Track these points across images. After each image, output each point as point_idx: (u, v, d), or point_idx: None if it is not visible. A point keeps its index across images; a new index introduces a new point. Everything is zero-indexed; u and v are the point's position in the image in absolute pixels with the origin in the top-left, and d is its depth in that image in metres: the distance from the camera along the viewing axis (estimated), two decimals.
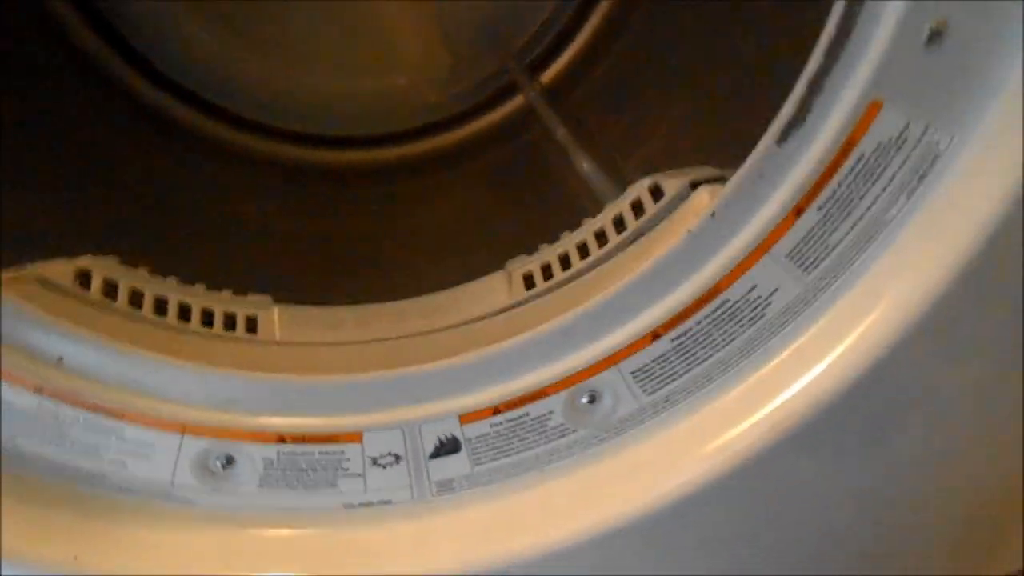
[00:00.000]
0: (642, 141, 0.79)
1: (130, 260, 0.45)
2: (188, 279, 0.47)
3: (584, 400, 0.44)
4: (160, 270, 0.46)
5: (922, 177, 0.39)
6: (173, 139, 0.80)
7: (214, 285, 0.47)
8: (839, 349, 0.42)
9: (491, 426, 0.44)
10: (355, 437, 0.44)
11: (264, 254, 0.63)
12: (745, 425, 0.44)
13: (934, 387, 0.42)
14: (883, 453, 0.44)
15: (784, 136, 0.38)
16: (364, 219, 0.74)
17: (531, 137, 0.85)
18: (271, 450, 0.43)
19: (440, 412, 0.44)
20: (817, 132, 0.37)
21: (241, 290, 0.47)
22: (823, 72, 0.36)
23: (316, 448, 0.44)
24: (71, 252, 0.43)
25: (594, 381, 0.43)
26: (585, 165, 0.62)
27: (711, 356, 0.43)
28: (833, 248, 0.40)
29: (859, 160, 0.38)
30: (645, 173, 0.47)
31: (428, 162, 0.87)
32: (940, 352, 0.41)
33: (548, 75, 0.98)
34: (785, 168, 0.38)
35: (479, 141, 0.90)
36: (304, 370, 0.43)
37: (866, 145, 0.38)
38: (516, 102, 0.93)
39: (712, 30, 0.76)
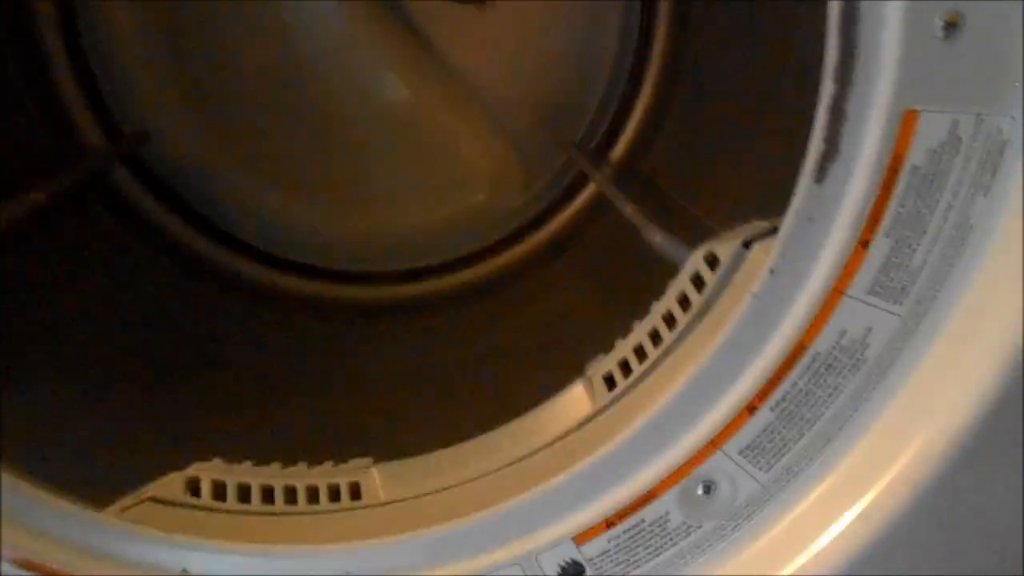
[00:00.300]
0: (719, 194, 0.77)
1: (233, 449, 0.47)
2: (289, 448, 0.48)
3: (699, 492, 0.41)
4: (262, 449, 0.47)
5: (995, 170, 0.35)
6: (246, 300, 0.84)
7: (315, 449, 0.48)
8: (967, 371, 0.38)
9: (609, 541, 0.42)
10: None
11: (360, 405, 0.64)
12: (884, 480, 0.40)
13: None
14: None
15: (822, 173, 0.35)
16: (444, 350, 0.75)
17: (605, 224, 0.84)
18: None
19: (553, 538, 0.42)
20: (856, 159, 0.35)
21: (341, 451, 0.48)
22: (839, 97, 0.34)
23: None
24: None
25: (703, 470, 0.41)
26: (658, 238, 0.60)
27: (821, 415, 0.39)
28: (920, 270, 0.37)
29: (914, 173, 0.35)
30: (729, 228, 0.44)
31: (508, 274, 0.88)
32: None
33: (615, 154, 0.98)
34: (834, 205, 0.36)
35: (555, 241, 0.90)
36: (413, 525, 0.43)
37: (916, 156, 0.35)
38: (588, 191, 0.93)
39: (763, 76, 0.74)
